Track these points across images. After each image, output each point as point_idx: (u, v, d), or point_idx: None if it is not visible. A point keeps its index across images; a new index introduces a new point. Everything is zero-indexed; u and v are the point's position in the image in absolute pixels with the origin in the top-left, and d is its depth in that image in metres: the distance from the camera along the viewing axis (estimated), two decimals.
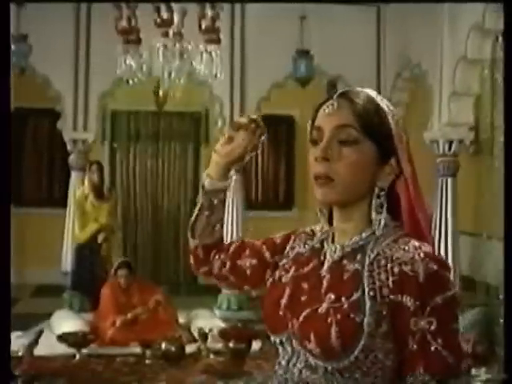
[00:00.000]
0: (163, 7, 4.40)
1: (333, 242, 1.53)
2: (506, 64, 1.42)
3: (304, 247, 1.60)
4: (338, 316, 1.39)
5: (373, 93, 1.50)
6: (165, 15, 4.45)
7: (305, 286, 1.50)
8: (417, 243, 1.43)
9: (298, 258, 1.59)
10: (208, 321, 6.95)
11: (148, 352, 6.21)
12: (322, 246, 1.55)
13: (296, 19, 7.34)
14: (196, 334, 6.57)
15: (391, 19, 7.78)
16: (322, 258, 1.53)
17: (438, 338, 1.34)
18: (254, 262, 1.70)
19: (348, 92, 1.48)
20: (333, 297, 1.43)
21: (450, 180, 6.68)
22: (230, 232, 7.72)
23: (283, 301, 1.51)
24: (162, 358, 6.16)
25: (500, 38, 6.36)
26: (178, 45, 4.72)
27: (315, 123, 1.48)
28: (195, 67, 4.76)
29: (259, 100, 7.75)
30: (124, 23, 4.60)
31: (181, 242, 9.73)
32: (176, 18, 4.57)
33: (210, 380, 5.80)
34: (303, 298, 1.48)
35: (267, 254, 1.68)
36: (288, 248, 1.65)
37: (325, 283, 1.47)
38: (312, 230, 1.63)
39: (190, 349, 6.32)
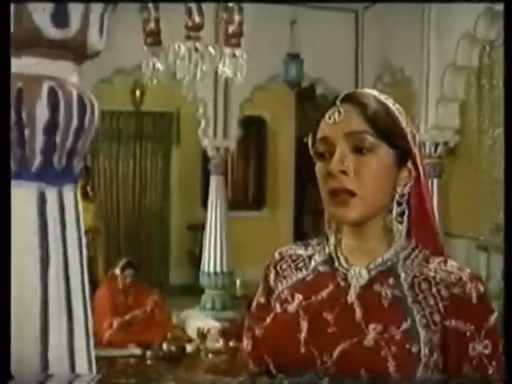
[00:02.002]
0: (195, 11, 4.44)
1: (346, 262, 1.38)
2: (506, 64, 1.56)
3: (301, 272, 1.43)
4: (393, 348, 1.26)
5: (375, 92, 1.39)
6: (197, 19, 4.50)
7: (328, 316, 1.32)
8: (453, 262, 1.36)
9: (301, 284, 1.40)
10: (203, 321, 7.02)
11: (148, 353, 6.24)
12: (333, 269, 1.39)
13: (285, 23, 7.46)
14: (192, 334, 6.64)
15: (370, 24, 8.00)
16: (342, 282, 1.36)
17: (493, 361, 1.30)
18: None
19: (351, 95, 1.35)
20: (379, 327, 1.29)
21: (435, 181, 6.96)
22: (214, 232, 7.78)
23: (303, 335, 1.31)
24: (163, 359, 6.20)
25: (487, 47, 6.73)
26: (201, 47, 4.77)
27: (319, 135, 1.34)
28: (220, 69, 4.83)
29: (242, 102, 7.85)
30: (152, 25, 4.63)
31: (152, 241, 9.71)
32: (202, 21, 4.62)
33: (217, 378, 5.88)
34: (331, 330, 1.30)
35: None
36: (274, 281, 1.45)
37: (358, 312, 1.32)
38: (294, 251, 1.47)
39: (188, 348, 6.39)
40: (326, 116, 1.34)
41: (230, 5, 4.68)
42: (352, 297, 1.34)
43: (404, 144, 1.36)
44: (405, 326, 1.29)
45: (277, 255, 1.47)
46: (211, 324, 6.88)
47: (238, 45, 4.91)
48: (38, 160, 1.27)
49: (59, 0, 1.27)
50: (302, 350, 1.30)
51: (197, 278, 8.08)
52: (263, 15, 7.19)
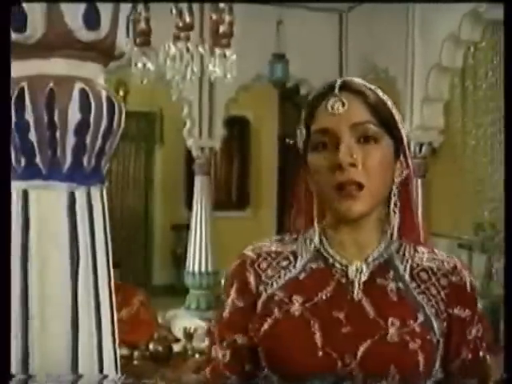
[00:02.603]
0: (185, 11, 4.45)
1: (341, 257, 1.34)
2: (506, 63, 1.59)
3: (289, 270, 1.34)
4: (418, 341, 1.27)
5: (365, 82, 1.38)
6: (187, 19, 4.51)
7: (338, 315, 1.28)
8: (440, 251, 1.38)
9: (295, 284, 1.32)
10: (189, 320, 7.01)
11: (135, 353, 6.21)
12: (328, 266, 1.33)
13: (271, 23, 7.49)
14: (179, 334, 6.63)
15: (354, 25, 8.06)
16: (343, 279, 1.32)
17: (483, 343, 1.38)
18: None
19: (349, 84, 1.32)
20: (397, 321, 1.28)
21: (419, 181, 7.03)
22: (199, 233, 7.78)
23: (318, 338, 1.25)
24: (150, 359, 6.18)
25: (472, 48, 6.82)
26: (191, 47, 4.78)
27: (318, 126, 1.29)
28: (210, 70, 4.84)
29: (227, 101, 7.87)
30: (142, 25, 4.63)
31: (136, 241, 9.69)
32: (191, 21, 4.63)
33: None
34: (345, 330, 1.27)
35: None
36: (255, 282, 1.34)
37: (369, 308, 1.30)
38: (271, 249, 1.38)
39: (175, 348, 6.38)
40: (328, 106, 1.28)
41: (221, 5, 4.70)
42: (358, 293, 1.31)
43: (399, 135, 1.36)
44: (421, 317, 1.30)
45: (251, 253, 1.35)
46: (197, 324, 6.87)
47: (228, 45, 4.92)
48: (68, 161, 1.28)
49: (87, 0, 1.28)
50: (320, 353, 1.24)
51: (180, 278, 8.08)
52: (249, 15, 7.20)
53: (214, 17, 4.82)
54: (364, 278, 1.32)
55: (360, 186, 1.26)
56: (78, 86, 1.27)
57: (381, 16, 7.29)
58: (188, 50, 4.79)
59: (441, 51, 6.53)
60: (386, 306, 1.30)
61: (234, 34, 5.16)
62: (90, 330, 1.32)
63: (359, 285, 1.31)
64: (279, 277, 1.33)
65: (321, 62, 8.03)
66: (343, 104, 1.28)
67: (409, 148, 1.41)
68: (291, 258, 1.35)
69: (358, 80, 1.35)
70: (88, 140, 1.28)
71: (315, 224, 1.35)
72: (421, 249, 1.38)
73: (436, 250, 1.39)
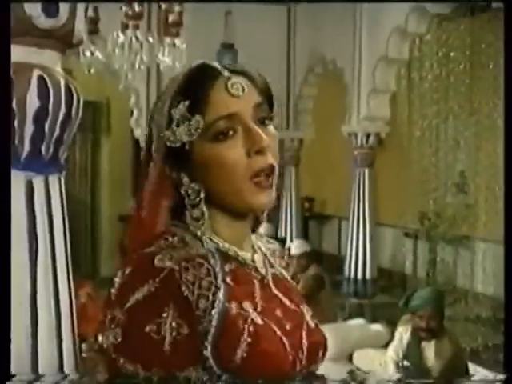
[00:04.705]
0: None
1: (244, 253, 1.24)
2: (506, 63, 1.64)
3: (213, 277, 1.14)
4: (315, 321, 1.29)
5: None
6: (136, 8, 4.47)
7: (277, 312, 1.22)
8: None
9: (232, 291, 1.17)
10: None
11: (83, 346, 6.16)
12: (240, 264, 1.22)
13: (219, 13, 7.48)
14: None
15: (302, 16, 8.10)
16: (258, 275, 1.24)
17: None
18: None
19: (233, 66, 1.22)
20: (304, 307, 1.29)
21: (367, 171, 7.14)
22: None
23: (286, 342, 1.17)
24: (99, 351, 6.14)
25: (417, 41, 6.94)
26: (141, 36, 4.74)
27: (220, 111, 1.15)
28: (159, 59, 4.81)
29: None
30: (91, 13, 4.56)
31: (83, 233, 9.58)
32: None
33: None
34: (288, 327, 1.21)
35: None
36: (192, 296, 1.10)
37: (283, 299, 1.26)
38: (180, 254, 1.14)
39: None
40: (230, 89, 1.15)
41: None
42: (273, 287, 1.25)
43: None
44: (303, 301, 1.31)
45: (170, 263, 1.10)
46: None
47: (178, 34, 4.89)
48: (26, 149, 1.27)
49: None
50: (290, 357, 1.17)
51: None
52: (198, 5, 7.18)
53: (164, 6, 4.79)
54: (272, 269, 1.28)
55: (273, 171, 1.17)
56: (36, 73, 1.25)
57: (329, 8, 7.35)
58: (137, 38, 4.75)
59: (387, 43, 6.63)
60: (291, 294, 1.29)
61: (184, 24, 5.14)
62: (50, 324, 1.31)
63: (270, 278, 1.26)
64: (210, 286, 1.13)
65: (269, 52, 8.05)
66: (242, 85, 1.17)
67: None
68: (203, 262, 1.15)
69: (237, 64, 1.25)
70: (46, 128, 1.27)
71: (205, 221, 1.19)
72: None
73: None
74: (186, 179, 1.19)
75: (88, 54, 4.73)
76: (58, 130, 1.27)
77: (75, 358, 1.39)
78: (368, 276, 7.21)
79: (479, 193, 7.34)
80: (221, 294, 1.12)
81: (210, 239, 1.19)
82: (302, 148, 8.74)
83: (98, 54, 4.71)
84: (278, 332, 1.16)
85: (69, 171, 7.38)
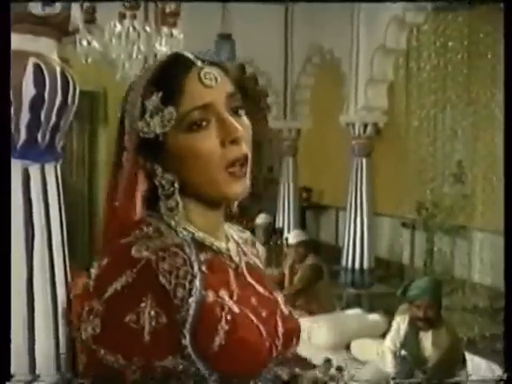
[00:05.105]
0: None
1: (219, 242, 1.25)
2: (506, 62, 1.64)
3: (189, 266, 1.14)
4: (289, 307, 1.31)
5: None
6: None
7: (252, 301, 1.23)
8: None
9: (209, 279, 1.18)
10: None
11: None
12: (215, 253, 1.23)
13: (217, 3, 7.44)
14: None
15: (300, 6, 8.08)
16: (232, 264, 1.25)
17: None
18: None
19: (209, 57, 1.20)
20: (277, 294, 1.31)
21: (364, 161, 7.15)
22: None
23: (262, 330, 1.17)
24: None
25: (415, 31, 6.92)
26: (138, 26, 4.73)
27: (194, 102, 1.15)
28: (157, 49, 4.80)
29: None
30: (88, 3, 4.54)
31: (79, 225, 9.57)
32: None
33: None
34: (264, 314, 1.22)
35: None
36: (171, 286, 1.10)
37: (257, 286, 1.28)
38: (154, 244, 1.13)
39: None
40: (203, 80, 1.15)
41: None
42: (247, 275, 1.27)
43: None
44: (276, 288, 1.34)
45: (146, 253, 1.10)
46: None
47: (175, 24, 4.88)
48: (22, 137, 1.26)
49: None
50: (267, 344, 1.18)
51: None
52: None
53: None
54: (245, 258, 1.30)
55: (247, 160, 1.17)
56: (32, 60, 1.25)
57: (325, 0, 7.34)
58: (134, 28, 4.73)
59: (385, 33, 6.62)
60: (264, 282, 1.30)
61: (181, 14, 5.12)
62: (47, 313, 1.31)
63: (244, 266, 1.27)
64: (186, 275, 1.13)
65: (267, 43, 8.04)
66: (214, 75, 1.16)
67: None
68: (179, 251, 1.14)
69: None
70: (43, 116, 1.26)
71: (180, 211, 1.20)
72: None
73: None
74: (159, 170, 1.18)
75: (85, 43, 4.72)
76: (54, 118, 1.27)
77: (73, 348, 1.38)
78: (365, 266, 7.23)
79: (476, 183, 7.35)
80: (197, 283, 1.12)
81: (185, 229, 1.19)
82: (300, 138, 8.75)
83: (95, 43, 4.69)
84: (255, 320, 1.17)
85: (66, 161, 7.34)
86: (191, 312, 1.10)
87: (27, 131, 1.25)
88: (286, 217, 8.69)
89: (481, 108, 7.05)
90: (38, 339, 1.27)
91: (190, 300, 1.10)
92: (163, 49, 4.83)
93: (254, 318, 1.17)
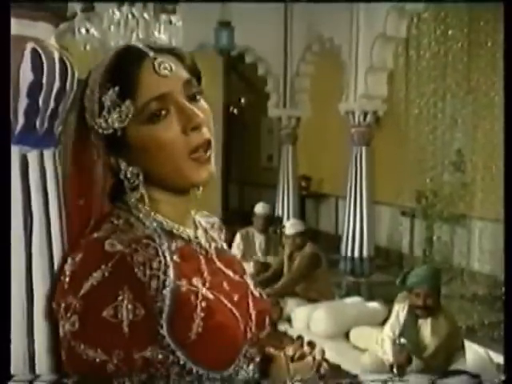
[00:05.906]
0: None
1: (187, 229, 1.26)
2: (506, 62, 1.64)
3: (162, 256, 1.14)
4: (259, 290, 1.33)
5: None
6: None
7: (224, 286, 1.25)
8: None
9: (183, 268, 1.19)
10: None
11: None
12: (185, 241, 1.24)
13: None
14: None
15: None
16: (202, 251, 1.27)
17: None
18: None
19: (161, 46, 1.24)
20: (247, 277, 1.33)
21: (364, 149, 7.13)
22: None
23: (237, 314, 1.19)
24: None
25: (415, 19, 6.90)
26: (136, 13, 4.71)
27: (151, 93, 1.15)
28: (156, 36, 4.78)
29: None
30: None
31: None
32: None
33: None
34: (236, 298, 1.24)
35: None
36: (147, 278, 1.10)
37: (227, 271, 1.30)
38: (126, 236, 1.15)
39: None
40: (158, 70, 1.15)
41: None
42: (216, 261, 1.29)
43: None
44: (245, 271, 1.37)
45: (120, 247, 1.11)
46: None
47: (174, 11, 4.86)
48: (20, 123, 1.25)
49: None
50: (242, 328, 1.19)
51: None
52: None
53: None
54: (214, 243, 1.32)
55: (210, 145, 1.20)
56: (29, 45, 1.24)
57: None
58: (133, 15, 4.71)
59: (385, 21, 6.59)
60: (234, 266, 1.32)
61: (180, 1, 5.10)
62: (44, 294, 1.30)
63: (214, 252, 1.30)
64: (160, 265, 1.13)
65: (266, 30, 8.00)
66: (168, 64, 1.17)
67: None
68: (150, 242, 1.15)
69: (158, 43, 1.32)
70: (41, 102, 1.25)
71: (147, 202, 1.20)
72: None
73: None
74: (123, 164, 1.19)
75: (83, 31, 4.70)
76: (52, 104, 1.26)
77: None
78: (365, 254, 7.23)
79: (476, 171, 7.35)
80: (170, 273, 1.13)
81: (154, 219, 1.20)
82: (299, 126, 8.73)
83: (93, 31, 4.68)
84: (228, 304, 1.19)
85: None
86: (167, 302, 1.10)
87: (25, 117, 1.24)
88: (285, 205, 8.70)
89: (481, 96, 7.04)
90: (37, 327, 1.26)
91: (165, 290, 1.11)
92: (162, 36, 4.82)
93: (227, 302, 1.19)
